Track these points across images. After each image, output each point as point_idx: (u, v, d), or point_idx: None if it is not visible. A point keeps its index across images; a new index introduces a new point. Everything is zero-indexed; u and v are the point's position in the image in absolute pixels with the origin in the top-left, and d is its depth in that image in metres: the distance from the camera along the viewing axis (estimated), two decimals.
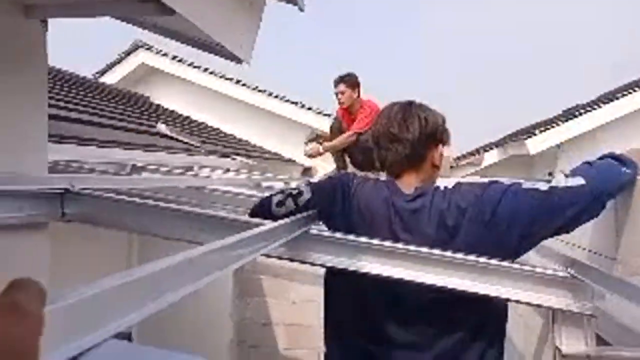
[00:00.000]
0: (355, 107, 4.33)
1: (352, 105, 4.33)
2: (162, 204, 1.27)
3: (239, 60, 1.61)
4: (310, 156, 4.29)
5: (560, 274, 1.00)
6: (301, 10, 1.66)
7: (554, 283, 1.00)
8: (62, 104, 2.90)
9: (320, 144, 4.44)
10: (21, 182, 1.21)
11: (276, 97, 6.78)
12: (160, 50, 6.72)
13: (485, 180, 1.23)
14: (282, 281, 3.98)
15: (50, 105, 1.42)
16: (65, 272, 1.42)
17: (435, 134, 1.35)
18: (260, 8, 1.54)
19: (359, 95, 4.34)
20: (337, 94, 4.33)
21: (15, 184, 1.18)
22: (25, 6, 1.26)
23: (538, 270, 1.01)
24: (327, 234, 1.13)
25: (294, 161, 6.31)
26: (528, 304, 1.02)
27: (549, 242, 1.37)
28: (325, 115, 6.31)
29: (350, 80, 4.30)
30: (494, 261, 1.03)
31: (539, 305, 1.02)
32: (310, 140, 4.43)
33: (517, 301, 1.01)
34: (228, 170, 3.69)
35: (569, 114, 6.08)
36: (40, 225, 1.30)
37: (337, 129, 4.47)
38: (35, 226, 1.28)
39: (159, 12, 1.15)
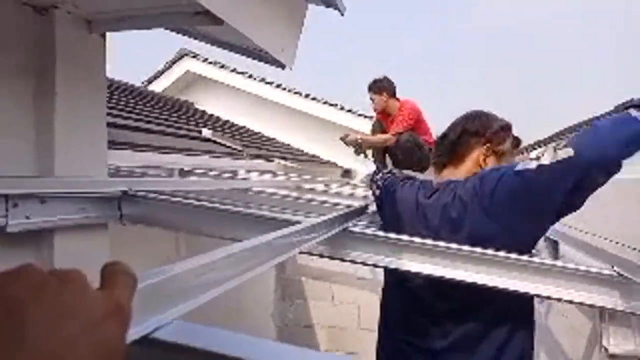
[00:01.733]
0: (392, 109, 4.35)
1: (387, 108, 4.36)
2: (208, 204, 1.33)
3: (282, 66, 1.67)
4: (347, 143, 4.30)
5: (606, 271, 0.99)
6: (342, 14, 1.70)
7: (600, 281, 0.99)
8: (115, 112, 3.07)
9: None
10: (84, 186, 1.31)
11: (313, 99, 6.85)
12: (206, 59, 6.94)
13: (487, 169, 1.26)
14: (323, 283, 4.03)
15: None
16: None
17: (478, 133, 1.37)
18: (303, 14, 1.59)
19: (391, 97, 4.35)
20: (371, 99, 4.41)
21: (79, 187, 1.28)
22: (87, 21, 1.37)
23: (582, 268, 1.01)
24: (367, 231, 1.16)
25: (333, 163, 6.36)
26: (571, 302, 1.01)
27: (592, 239, 1.35)
28: (362, 116, 6.34)
29: (376, 87, 4.34)
30: (535, 259, 1.03)
31: (583, 304, 1.01)
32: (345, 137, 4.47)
33: (559, 299, 1.00)
34: (270, 172, 3.77)
35: (620, 111, 5.81)
36: (101, 225, 1.39)
37: (378, 129, 4.52)
38: (96, 226, 1.38)
39: (210, 23, 1.22)
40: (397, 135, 4.19)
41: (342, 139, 4.37)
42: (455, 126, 1.42)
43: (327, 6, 1.59)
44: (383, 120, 4.51)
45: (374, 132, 4.59)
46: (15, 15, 1.22)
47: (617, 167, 1.01)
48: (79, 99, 1.36)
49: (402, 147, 4.24)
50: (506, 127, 1.39)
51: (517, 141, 1.47)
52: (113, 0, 1.25)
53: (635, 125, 1.01)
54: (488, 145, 1.37)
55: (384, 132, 4.41)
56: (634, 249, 1.29)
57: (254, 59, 1.72)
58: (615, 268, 0.98)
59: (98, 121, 1.46)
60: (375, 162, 4.53)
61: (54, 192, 1.21)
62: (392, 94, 4.37)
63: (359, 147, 4.32)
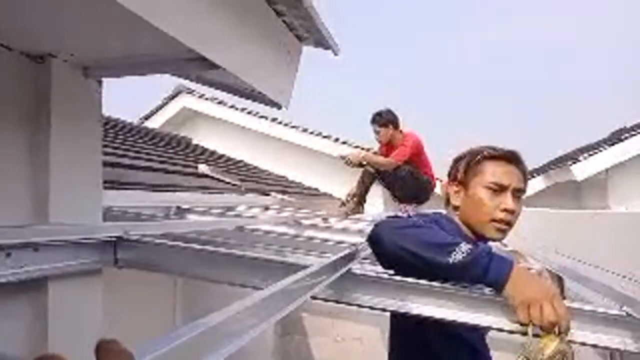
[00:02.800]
0: (396, 141, 4.40)
1: (392, 139, 4.41)
2: (208, 247, 1.31)
3: (279, 106, 1.68)
4: (348, 162, 4.28)
5: (615, 311, 0.97)
6: (335, 54, 1.73)
7: (609, 321, 0.97)
8: (110, 149, 3.07)
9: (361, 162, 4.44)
10: (79, 232, 1.29)
11: (310, 132, 6.91)
12: (202, 95, 7.02)
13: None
14: (325, 319, 3.95)
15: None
16: (115, 313, 1.48)
17: (449, 174, 1.49)
18: (298, 56, 1.61)
19: (395, 129, 4.40)
20: (374, 132, 4.45)
21: (74, 234, 1.26)
22: (84, 68, 1.38)
23: (589, 308, 0.98)
24: (371, 273, 1.14)
25: (330, 195, 6.35)
26: (582, 343, 0.99)
27: (599, 274, 1.33)
28: (358, 148, 6.37)
29: (381, 120, 4.39)
30: None
31: (595, 346, 0.98)
32: (343, 157, 4.47)
33: (571, 341, 0.98)
34: (267, 207, 3.75)
35: (616, 137, 5.87)
36: (96, 271, 1.37)
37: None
38: (91, 272, 1.35)
39: (205, 68, 1.23)
40: (398, 162, 4.22)
41: (342, 157, 4.37)
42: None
43: (321, 47, 1.61)
44: (387, 153, 4.54)
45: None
46: (11, 64, 1.23)
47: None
48: (75, 144, 1.36)
49: (401, 182, 4.28)
50: (460, 156, 1.46)
51: (498, 156, 1.43)
52: (110, 47, 1.26)
53: (443, 251, 1.07)
54: (453, 181, 1.46)
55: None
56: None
57: (250, 99, 1.74)
58: (624, 308, 0.96)
59: (93, 165, 1.46)
60: (361, 185, 4.50)
61: (48, 240, 1.19)
62: (396, 126, 4.43)
63: (360, 165, 4.31)
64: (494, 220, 1.33)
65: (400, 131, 4.44)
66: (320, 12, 1.43)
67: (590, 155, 5.54)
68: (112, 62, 1.36)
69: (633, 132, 5.58)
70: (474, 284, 1.06)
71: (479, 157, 1.39)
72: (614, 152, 5.48)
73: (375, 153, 4.70)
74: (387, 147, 4.53)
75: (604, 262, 1.54)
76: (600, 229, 1.67)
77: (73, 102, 1.36)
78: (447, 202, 1.48)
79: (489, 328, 1.04)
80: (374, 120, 4.42)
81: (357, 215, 4.17)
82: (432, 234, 1.12)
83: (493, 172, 1.36)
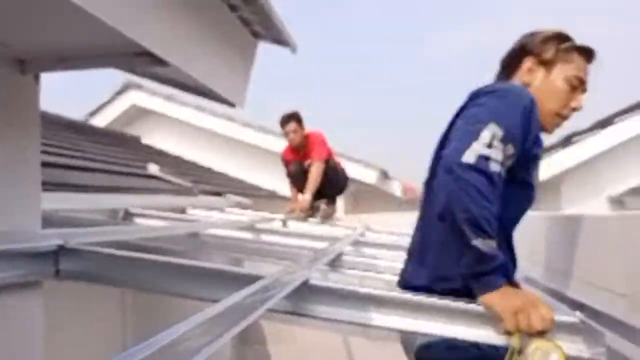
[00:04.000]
0: (302, 143, 4.32)
1: (300, 142, 4.31)
2: (160, 257, 1.23)
3: (232, 105, 1.62)
4: (303, 210, 4.08)
5: (570, 319, 0.98)
6: (293, 51, 1.68)
7: (564, 328, 0.98)
8: (51, 149, 2.88)
9: (295, 200, 4.35)
10: (15, 240, 1.18)
11: (267, 132, 6.82)
12: (154, 92, 6.77)
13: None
14: (285, 326, 3.88)
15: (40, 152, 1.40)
16: (58, 328, 1.37)
17: (526, 46, 1.34)
18: (253, 53, 1.56)
19: (303, 130, 4.35)
20: (288, 133, 4.28)
21: (9, 243, 1.15)
22: (20, 61, 1.26)
23: None
24: (330, 284, 1.10)
25: (287, 198, 6.29)
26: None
27: (552, 281, 1.36)
28: None
29: (298, 117, 4.30)
30: None
31: None
32: (290, 212, 4.24)
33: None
34: (222, 210, 3.65)
35: (566, 142, 6.10)
36: (34, 284, 1.26)
37: (299, 171, 4.37)
38: (29, 285, 1.24)
39: (151, 64, 1.15)
40: (322, 160, 4.20)
41: (291, 212, 4.13)
42: (514, 44, 1.39)
43: (278, 44, 1.56)
44: (295, 157, 4.43)
45: (294, 177, 4.45)
46: None
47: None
48: (9, 145, 1.24)
49: (335, 172, 4.32)
50: (552, 36, 1.32)
51: (586, 52, 1.32)
52: (48, 39, 1.15)
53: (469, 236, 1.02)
54: (533, 56, 1.31)
55: (304, 171, 4.32)
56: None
57: (203, 97, 1.66)
58: (577, 314, 0.98)
59: (31, 167, 1.34)
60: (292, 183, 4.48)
61: None
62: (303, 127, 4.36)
63: (310, 210, 4.18)
64: (559, 115, 1.30)
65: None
66: (276, 8, 1.39)
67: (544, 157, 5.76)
68: (50, 56, 1.25)
69: (584, 135, 5.83)
70: (465, 275, 1.06)
71: (571, 44, 1.31)
72: (566, 155, 5.70)
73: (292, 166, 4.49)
74: (292, 152, 4.43)
75: (557, 265, 1.58)
76: (554, 231, 1.71)
77: (7, 99, 1.24)
78: (507, 75, 1.36)
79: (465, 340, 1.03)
80: (290, 119, 4.26)
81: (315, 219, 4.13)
82: (481, 207, 1.01)
83: (580, 66, 1.30)
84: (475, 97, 1.22)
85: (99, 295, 1.77)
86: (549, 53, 1.29)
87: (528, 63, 1.31)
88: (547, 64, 1.30)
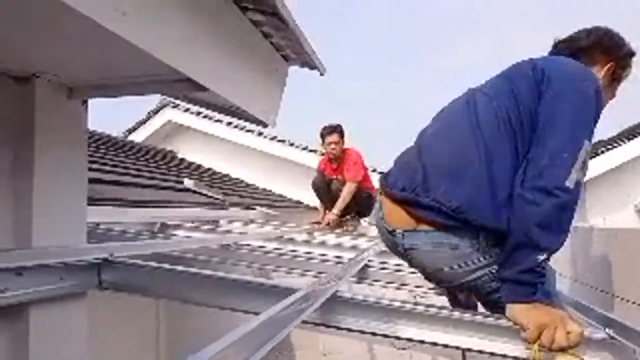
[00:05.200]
0: (340, 156, 4.40)
1: (338, 155, 4.39)
2: (196, 269, 1.30)
3: (265, 125, 1.69)
4: (330, 224, 4.16)
5: (599, 335, 0.99)
6: (321, 74, 1.74)
7: (593, 344, 0.98)
8: (94, 165, 3.03)
9: (324, 214, 4.39)
10: (62, 255, 1.27)
11: (296, 146, 6.93)
12: (188, 109, 6.99)
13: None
14: (311, 333, 3.92)
15: None
16: (95, 335, 1.45)
17: (609, 50, 1.38)
18: (285, 76, 1.62)
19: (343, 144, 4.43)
20: (330, 144, 4.35)
21: (57, 257, 1.24)
22: (68, 88, 1.36)
23: None
24: (358, 297, 1.14)
25: (315, 208, 6.35)
26: None
27: (584, 298, 1.35)
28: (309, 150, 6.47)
29: (341, 130, 4.38)
30: None
31: None
32: (316, 223, 4.32)
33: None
34: (252, 222, 3.73)
35: (594, 150, 6.00)
36: (79, 294, 1.34)
37: (323, 183, 4.46)
38: (75, 295, 1.33)
39: (193, 90, 1.23)
40: (356, 182, 4.25)
41: (317, 228, 4.10)
42: (589, 34, 1.39)
43: (308, 67, 1.62)
44: (324, 170, 4.51)
45: (318, 189, 4.52)
46: None
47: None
48: (59, 166, 1.34)
49: (367, 198, 4.34)
50: (633, 54, 1.38)
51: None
52: (95, 68, 1.25)
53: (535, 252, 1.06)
54: (611, 64, 1.35)
55: (328, 183, 4.41)
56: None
57: (237, 118, 1.74)
58: (607, 330, 0.98)
59: (78, 186, 1.44)
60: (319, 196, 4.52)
61: (31, 264, 1.17)
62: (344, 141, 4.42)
63: (342, 216, 4.25)
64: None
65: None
66: (305, 34, 1.45)
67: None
68: (96, 83, 1.35)
69: (609, 146, 5.70)
70: (506, 277, 1.09)
71: (631, 50, 1.38)
72: (592, 165, 5.59)
73: (316, 178, 4.57)
74: (327, 163, 4.51)
75: (585, 278, 1.57)
76: (581, 243, 1.70)
77: (57, 123, 1.34)
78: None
79: (481, 352, 1.05)
80: (333, 130, 4.34)
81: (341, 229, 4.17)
82: (564, 234, 1.08)
83: (629, 72, 1.39)
84: (561, 76, 1.21)
85: (135, 305, 1.85)
86: (624, 71, 1.37)
87: (608, 66, 1.35)
88: (615, 77, 1.37)
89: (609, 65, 1.35)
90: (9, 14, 0.88)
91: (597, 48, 1.37)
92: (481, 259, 1.18)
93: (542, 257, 1.05)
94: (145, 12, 0.95)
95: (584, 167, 1.09)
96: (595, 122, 1.17)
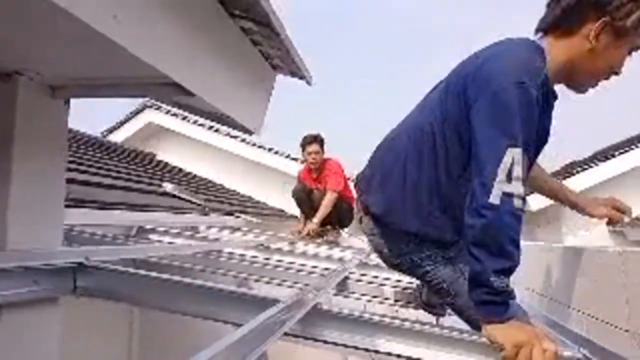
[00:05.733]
0: (320, 166, 4.41)
1: (319, 164, 4.41)
2: (172, 277, 1.28)
3: (250, 132, 1.68)
4: (310, 234, 4.12)
5: (573, 354, 1.00)
6: (309, 84, 1.75)
7: None
8: (71, 165, 2.97)
9: (304, 224, 4.39)
10: (37, 258, 1.23)
11: (276, 152, 6.93)
12: (169, 111, 6.93)
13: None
14: (287, 344, 3.88)
15: None
16: (65, 342, 1.41)
17: (600, 3, 1.16)
18: (272, 84, 1.62)
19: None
20: (310, 154, 4.35)
21: (32, 260, 1.21)
22: (51, 88, 1.34)
23: None
24: (335, 310, 1.13)
25: (296, 217, 6.34)
26: None
27: (554, 313, 1.38)
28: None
29: (321, 140, 4.40)
30: None
31: None
32: (297, 232, 4.31)
33: None
34: (233, 228, 3.70)
35: (569, 170, 6.16)
36: (53, 299, 1.31)
37: (304, 192, 4.47)
38: (48, 301, 1.29)
39: (178, 94, 1.22)
40: (336, 191, 4.26)
41: (303, 234, 4.13)
42: None
43: (295, 77, 1.63)
44: (305, 180, 4.51)
45: (299, 199, 4.51)
46: None
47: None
48: (38, 166, 1.31)
49: (348, 209, 4.37)
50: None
51: None
52: (79, 68, 1.23)
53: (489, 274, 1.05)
54: (607, 19, 1.14)
55: (308, 192, 4.42)
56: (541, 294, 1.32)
57: (222, 124, 1.73)
58: (581, 350, 1.00)
59: (56, 187, 1.41)
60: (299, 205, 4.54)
61: (4, 267, 1.13)
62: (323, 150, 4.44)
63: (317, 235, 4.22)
64: (602, 79, 1.26)
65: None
66: (295, 43, 1.45)
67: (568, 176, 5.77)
68: (80, 83, 1.33)
69: (585, 166, 5.86)
70: (474, 301, 1.09)
71: None
72: (567, 184, 5.72)
73: (297, 188, 4.56)
74: (308, 173, 4.51)
75: (560, 297, 1.60)
76: (555, 262, 1.73)
77: (38, 122, 1.31)
78: (567, 30, 1.20)
79: None
80: (314, 140, 4.34)
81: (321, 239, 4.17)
82: (507, 259, 1.05)
83: None
84: (468, 79, 1.19)
85: (107, 309, 1.81)
86: (627, 21, 1.14)
87: (599, 25, 1.16)
88: (619, 32, 1.16)
89: (599, 22, 1.15)
90: None
91: (584, 3, 1.18)
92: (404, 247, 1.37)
93: (494, 278, 1.03)
94: (135, 16, 0.94)
95: (510, 178, 1.03)
96: (530, 124, 1.09)
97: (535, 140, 1.17)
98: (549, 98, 1.23)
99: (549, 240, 5.63)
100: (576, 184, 5.70)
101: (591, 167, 5.80)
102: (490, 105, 1.11)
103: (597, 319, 1.27)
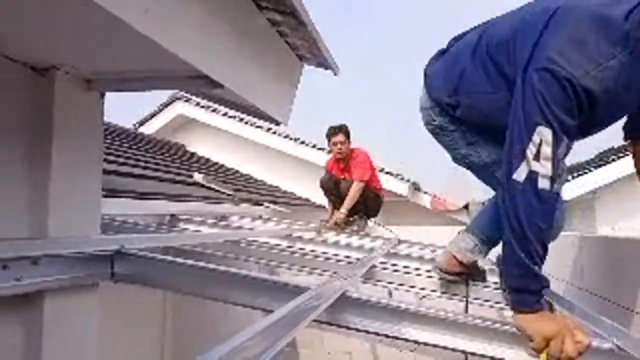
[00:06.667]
0: (347, 156, 4.40)
1: (345, 155, 4.40)
2: (208, 264, 1.31)
3: (277, 123, 1.70)
4: (338, 223, 4.15)
5: (606, 345, 0.99)
6: (335, 74, 1.75)
7: (599, 354, 0.99)
8: (106, 157, 3.06)
9: (332, 214, 4.41)
10: (77, 245, 1.29)
11: (304, 143, 6.95)
12: (198, 103, 7.03)
13: None
14: (315, 331, 3.94)
15: None
16: (102, 326, 1.47)
17: None
18: (299, 75, 1.63)
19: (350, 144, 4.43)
20: (335, 144, 4.35)
21: (72, 247, 1.26)
22: (87, 81, 1.38)
23: None
24: (365, 297, 1.15)
25: (322, 206, 6.37)
26: None
27: (587, 304, 1.35)
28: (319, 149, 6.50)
29: (347, 130, 4.38)
30: None
31: None
32: (324, 221, 4.33)
33: None
34: (260, 217, 3.75)
35: (604, 158, 5.96)
36: (92, 285, 1.37)
37: (331, 182, 4.47)
38: (87, 286, 1.35)
39: (208, 87, 1.24)
40: (362, 182, 4.24)
41: (324, 227, 4.02)
42: None
43: (322, 67, 1.63)
44: (332, 170, 4.52)
45: (326, 188, 4.51)
46: (15, 75, 1.24)
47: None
48: (76, 157, 1.36)
49: (375, 198, 4.38)
50: None
51: None
52: (114, 62, 1.27)
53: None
54: None
55: (336, 182, 4.42)
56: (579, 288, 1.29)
57: (250, 115, 1.75)
58: (614, 340, 0.98)
59: (94, 177, 1.46)
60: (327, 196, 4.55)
61: (46, 254, 1.19)
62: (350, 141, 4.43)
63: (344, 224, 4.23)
64: None
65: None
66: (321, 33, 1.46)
67: (578, 175, 5.60)
68: (115, 77, 1.37)
69: (620, 154, 5.65)
70: (508, 288, 1.12)
71: None
72: (601, 173, 5.54)
73: (324, 177, 4.57)
74: (335, 163, 4.51)
75: (593, 287, 1.57)
76: (586, 252, 1.69)
77: (75, 114, 1.36)
78: None
79: (484, 356, 1.06)
80: (339, 131, 4.34)
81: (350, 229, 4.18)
82: (538, 251, 1.07)
83: None
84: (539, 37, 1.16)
85: (142, 295, 1.88)
86: None
87: None
88: None
89: None
90: (32, 7, 0.90)
91: None
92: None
93: (523, 255, 1.04)
94: (166, 10, 0.96)
95: (539, 157, 1.05)
96: (568, 106, 1.08)
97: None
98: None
99: (582, 230, 5.49)
100: (610, 172, 5.52)
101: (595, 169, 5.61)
102: (523, 84, 1.15)
103: (631, 310, 1.24)
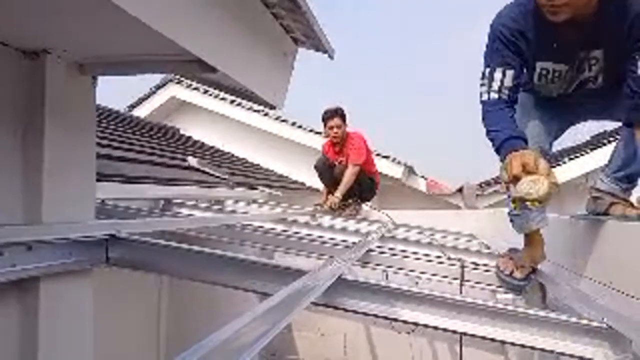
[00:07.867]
0: (343, 140, 4.39)
1: (341, 138, 4.38)
2: (203, 248, 1.32)
3: (272, 107, 1.69)
4: (333, 206, 4.14)
5: (596, 323, 1.01)
6: (331, 57, 1.74)
7: (590, 333, 1.01)
8: (99, 140, 3.03)
9: (326, 197, 4.41)
10: (71, 230, 1.28)
11: (299, 126, 6.92)
12: (191, 85, 6.96)
13: None
14: (309, 313, 3.98)
15: None
16: (98, 311, 1.48)
17: None
18: (293, 59, 1.62)
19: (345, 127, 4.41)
20: (332, 128, 4.32)
21: (67, 233, 1.26)
22: (79, 65, 1.37)
23: (573, 319, 1.02)
24: (360, 280, 1.16)
25: (317, 189, 6.37)
26: (562, 354, 1.02)
27: (580, 285, 1.37)
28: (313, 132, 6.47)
29: (343, 113, 4.35)
30: (529, 310, 1.04)
31: (572, 356, 1.02)
32: (319, 205, 4.34)
33: (551, 351, 1.01)
34: (256, 202, 3.75)
35: (597, 141, 5.99)
36: (87, 270, 1.37)
37: (326, 166, 4.46)
38: (82, 271, 1.35)
39: (203, 71, 1.23)
40: (358, 165, 4.23)
41: (326, 207, 4.15)
42: None
43: (317, 50, 1.62)
44: (327, 153, 4.50)
45: (321, 172, 4.51)
46: (6, 59, 1.22)
47: None
48: (69, 141, 1.35)
49: (370, 182, 4.38)
50: None
51: None
52: (106, 46, 1.25)
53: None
54: None
55: (330, 166, 4.41)
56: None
57: (244, 98, 1.74)
58: (604, 320, 1.00)
59: (88, 162, 1.45)
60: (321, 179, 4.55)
61: (41, 239, 1.18)
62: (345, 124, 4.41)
63: (339, 208, 4.23)
64: (543, 6, 1.50)
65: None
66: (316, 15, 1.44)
67: (571, 159, 5.63)
68: (107, 60, 1.35)
69: (612, 137, 5.68)
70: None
71: None
72: (595, 156, 5.57)
73: (319, 161, 4.55)
74: (330, 146, 4.49)
75: (583, 269, 1.59)
76: (580, 233, 1.71)
77: (67, 99, 1.35)
78: None
79: (482, 337, 1.07)
80: (335, 114, 4.30)
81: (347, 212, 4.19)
82: (495, 134, 1.56)
83: None
84: None
85: (137, 280, 1.89)
86: None
87: None
88: None
89: None
90: None
91: None
92: None
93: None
94: None
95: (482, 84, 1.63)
96: (492, 53, 1.63)
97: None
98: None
99: (574, 212, 5.53)
100: (599, 157, 5.54)
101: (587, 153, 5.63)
102: None
103: (622, 292, 1.26)
